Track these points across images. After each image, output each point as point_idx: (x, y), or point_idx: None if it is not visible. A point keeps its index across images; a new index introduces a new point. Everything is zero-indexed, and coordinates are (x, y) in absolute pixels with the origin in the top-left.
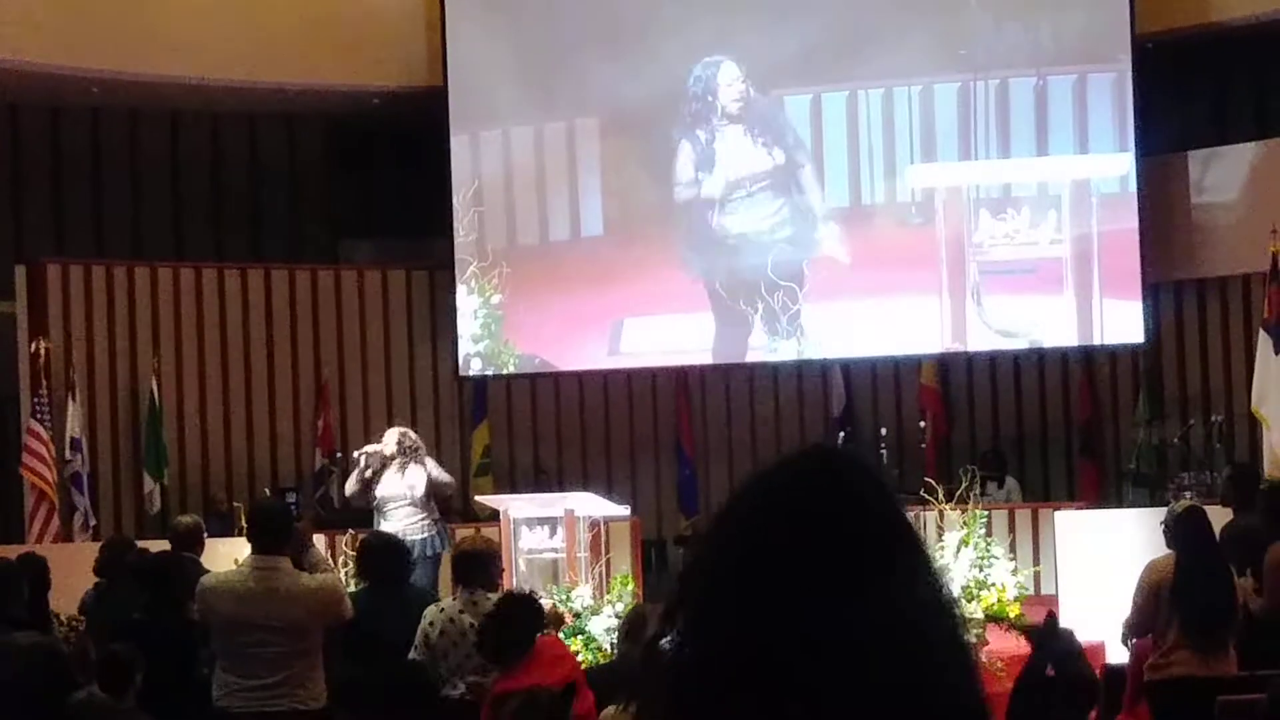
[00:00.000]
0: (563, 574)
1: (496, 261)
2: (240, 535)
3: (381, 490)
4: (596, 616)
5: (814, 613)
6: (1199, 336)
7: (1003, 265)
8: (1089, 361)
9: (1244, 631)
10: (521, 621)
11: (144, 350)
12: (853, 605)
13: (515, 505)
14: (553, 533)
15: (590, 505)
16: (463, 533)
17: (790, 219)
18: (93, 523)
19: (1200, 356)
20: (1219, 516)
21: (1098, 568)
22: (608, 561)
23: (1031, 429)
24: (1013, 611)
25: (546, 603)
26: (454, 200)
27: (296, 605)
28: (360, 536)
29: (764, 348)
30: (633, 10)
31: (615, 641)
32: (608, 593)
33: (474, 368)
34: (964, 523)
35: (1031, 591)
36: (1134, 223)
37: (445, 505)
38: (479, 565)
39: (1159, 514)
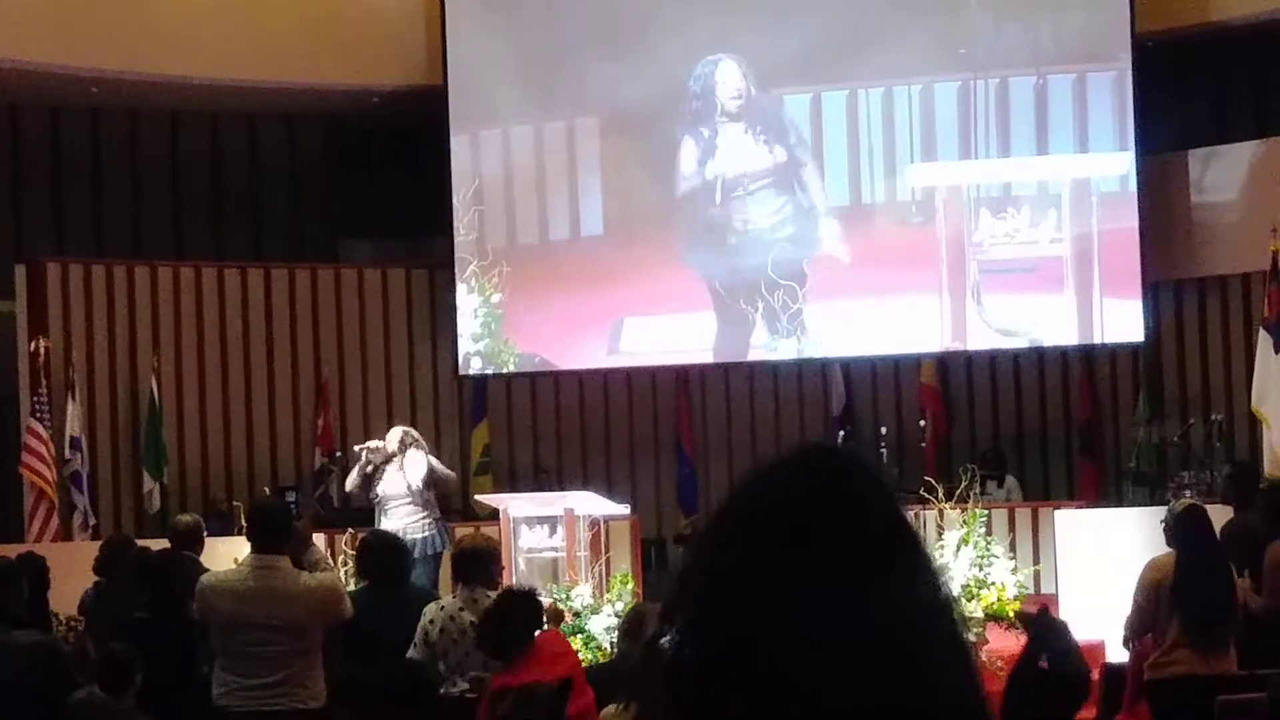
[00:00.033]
0: (562, 573)
1: (496, 261)
2: (240, 534)
3: (382, 488)
4: (596, 615)
5: (814, 611)
6: (1199, 335)
7: (1003, 264)
8: (1089, 360)
9: (1244, 630)
10: (520, 617)
11: (144, 350)
12: (852, 604)
13: (515, 504)
14: (552, 532)
15: (590, 504)
16: (462, 531)
17: (792, 217)
18: (92, 522)
19: (1200, 355)
20: (1219, 515)
21: (1097, 567)
22: (607, 560)
23: (1031, 428)
24: (1012, 610)
25: (546, 600)
26: (454, 199)
27: (296, 604)
28: (360, 536)
29: (764, 347)
30: (633, 10)
31: (615, 640)
32: (607, 592)
33: (474, 367)
34: (964, 522)
35: (1031, 590)
36: (1134, 222)
37: (445, 504)
38: (479, 563)
39: (1159, 513)
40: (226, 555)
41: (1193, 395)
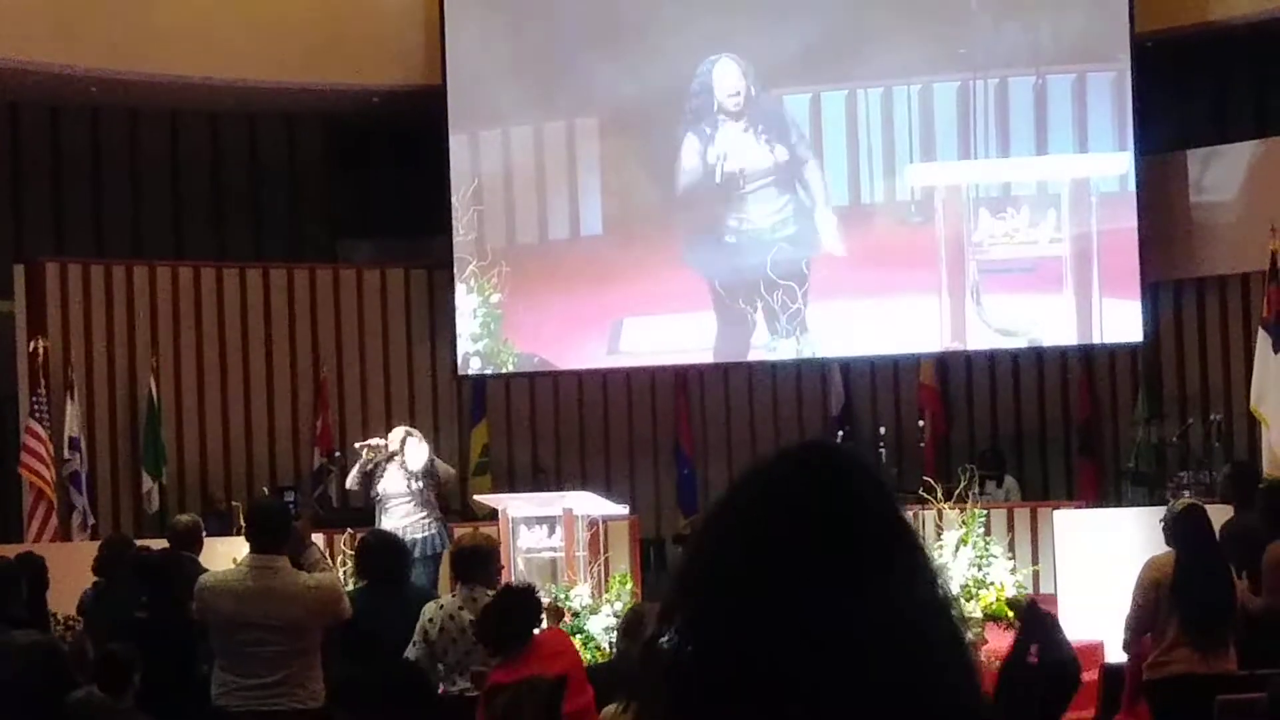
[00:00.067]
0: (561, 573)
1: (496, 260)
2: (239, 534)
3: (383, 485)
4: (595, 615)
5: (813, 610)
6: (1198, 335)
7: (1002, 264)
8: (1088, 360)
9: (1243, 630)
10: (519, 614)
11: (143, 349)
12: (852, 603)
13: (514, 504)
14: (551, 532)
15: (589, 504)
16: (461, 531)
17: (794, 216)
18: (91, 522)
19: (1199, 355)
20: (1218, 515)
21: (1096, 567)
22: (606, 560)
23: (1030, 428)
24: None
25: (546, 599)
26: (453, 199)
27: (295, 604)
28: (359, 536)
29: (764, 347)
30: (632, 10)
31: (614, 640)
32: (606, 592)
33: (473, 367)
34: (963, 522)
35: (1030, 590)
36: (1133, 222)
37: (444, 504)
38: (478, 562)
39: (1158, 513)
40: (225, 555)
41: (1192, 395)
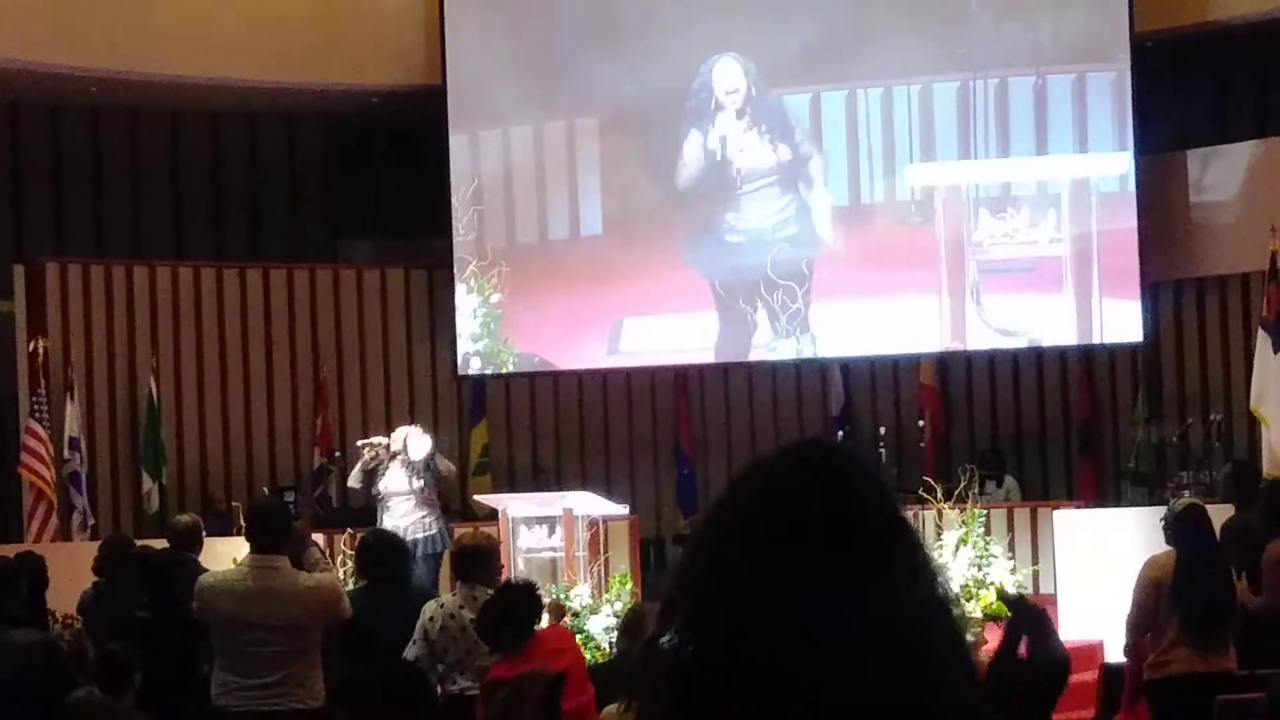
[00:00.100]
0: (561, 573)
1: (496, 260)
2: (239, 534)
3: (384, 484)
4: (595, 615)
5: (813, 609)
6: (1198, 335)
7: (1002, 264)
8: (1088, 360)
9: (1243, 629)
10: (520, 611)
11: (142, 349)
12: (852, 603)
13: (514, 504)
14: (551, 532)
15: (589, 504)
16: (461, 531)
17: (794, 216)
18: (91, 522)
19: (1199, 355)
20: (1218, 514)
21: (1096, 566)
22: (606, 560)
23: (1030, 428)
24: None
25: (548, 598)
26: (453, 199)
27: (295, 604)
28: (359, 536)
29: (764, 347)
30: (632, 10)
31: (614, 640)
32: (606, 591)
33: (473, 367)
34: (963, 521)
35: (1030, 590)
36: (1133, 222)
37: (444, 504)
38: (479, 561)
39: (1158, 513)
40: (225, 555)
41: (1191, 395)
